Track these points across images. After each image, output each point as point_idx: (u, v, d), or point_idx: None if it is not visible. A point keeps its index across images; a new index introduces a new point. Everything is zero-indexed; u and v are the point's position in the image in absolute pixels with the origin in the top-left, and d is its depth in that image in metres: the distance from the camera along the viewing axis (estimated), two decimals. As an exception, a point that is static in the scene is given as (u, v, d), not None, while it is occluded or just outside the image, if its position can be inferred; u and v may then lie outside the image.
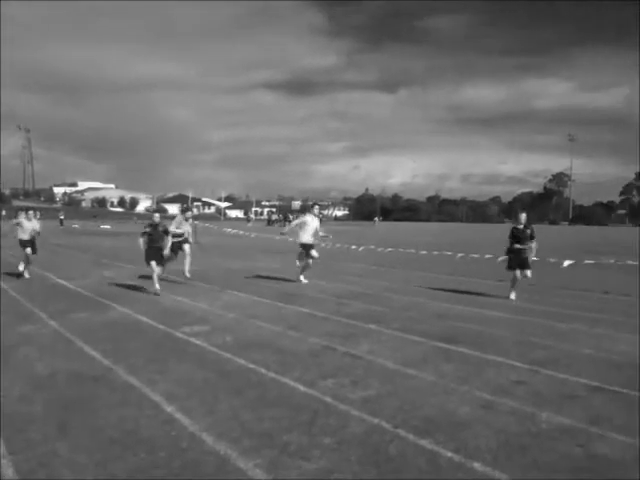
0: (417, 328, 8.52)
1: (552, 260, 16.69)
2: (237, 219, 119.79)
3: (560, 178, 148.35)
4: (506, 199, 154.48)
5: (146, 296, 11.43)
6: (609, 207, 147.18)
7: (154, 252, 11.69)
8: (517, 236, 11.78)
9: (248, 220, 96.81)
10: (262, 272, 15.86)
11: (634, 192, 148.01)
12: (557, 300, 11.72)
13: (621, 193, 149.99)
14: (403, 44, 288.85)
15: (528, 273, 11.60)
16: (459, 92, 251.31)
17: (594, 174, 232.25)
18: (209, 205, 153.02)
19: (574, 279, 15.13)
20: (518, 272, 11.59)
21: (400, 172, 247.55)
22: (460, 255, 18.42)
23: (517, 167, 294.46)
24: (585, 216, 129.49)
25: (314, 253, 13.66)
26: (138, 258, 13.00)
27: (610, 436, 4.47)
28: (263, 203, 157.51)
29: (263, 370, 6.16)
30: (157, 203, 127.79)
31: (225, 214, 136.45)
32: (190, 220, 14.14)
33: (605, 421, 4.79)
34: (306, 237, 13.66)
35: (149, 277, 12.27)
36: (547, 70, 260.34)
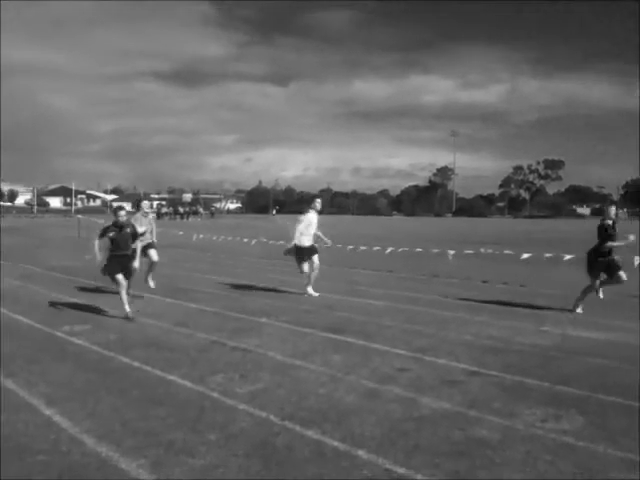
0: (307, 320, 8.60)
1: (436, 251, 17.36)
2: (125, 213, 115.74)
3: (444, 172, 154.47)
4: (394, 192, 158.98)
5: (25, 293, 10.82)
6: (489, 199, 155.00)
7: (120, 262, 8.89)
8: (611, 235, 9.41)
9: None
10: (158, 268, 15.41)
11: (512, 185, 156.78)
12: (441, 289, 12.21)
13: (500, 186, 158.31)
14: (293, 38, 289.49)
15: (623, 276, 9.42)
16: (349, 87, 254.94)
17: (475, 168, 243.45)
18: (94, 198, 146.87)
19: (457, 269, 15.80)
20: (600, 280, 9.63)
21: (293, 165, 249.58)
22: (350, 247, 18.77)
23: (405, 161, 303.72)
24: (467, 208, 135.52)
25: (317, 260, 11.07)
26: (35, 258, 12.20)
27: (487, 419, 4.70)
28: (152, 196, 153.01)
29: (148, 368, 6.00)
30: (38, 196, 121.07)
31: (112, 207, 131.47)
32: (150, 216, 11.70)
33: (483, 404, 5.04)
34: (307, 239, 11.13)
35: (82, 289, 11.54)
36: (432, 67, 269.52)
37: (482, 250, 18.46)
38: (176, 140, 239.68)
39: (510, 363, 6.37)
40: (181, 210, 78.04)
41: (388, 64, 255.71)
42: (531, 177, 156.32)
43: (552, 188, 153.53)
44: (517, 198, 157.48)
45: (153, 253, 11.35)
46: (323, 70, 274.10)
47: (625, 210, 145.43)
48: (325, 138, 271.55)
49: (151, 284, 11.40)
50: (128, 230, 9.19)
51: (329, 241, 11.78)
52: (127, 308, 8.61)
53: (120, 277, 8.71)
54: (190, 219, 70.32)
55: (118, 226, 9.08)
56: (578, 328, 8.21)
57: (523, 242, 29.34)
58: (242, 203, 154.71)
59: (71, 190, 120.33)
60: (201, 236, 24.54)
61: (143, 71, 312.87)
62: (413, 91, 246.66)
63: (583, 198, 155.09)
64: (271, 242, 20.72)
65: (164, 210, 79.57)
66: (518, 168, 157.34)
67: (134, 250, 9.22)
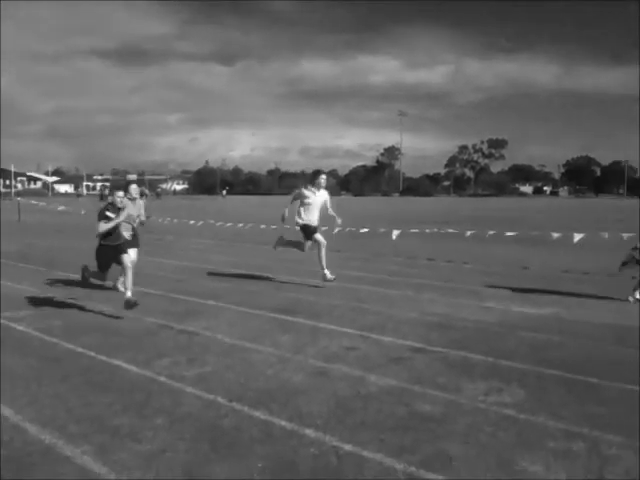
0: (255, 301, 8.58)
1: (382, 230, 17.53)
2: (67, 194, 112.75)
3: (391, 152, 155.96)
4: (343, 172, 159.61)
5: (-39, 281, 10.44)
6: (435, 179, 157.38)
7: (113, 256, 7.72)
8: None
9: (78, 195, 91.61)
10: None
11: (457, 164, 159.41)
12: (387, 268, 12.37)
13: (446, 165, 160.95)
14: (239, 16, 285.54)
15: None
16: (296, 66, 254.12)
17: (422, 148, 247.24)
18: (35, 180, 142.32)
19: (403, 248, 16.01)
20: None
21: (240, 145, 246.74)
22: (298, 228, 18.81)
23: (353, 141, 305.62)
24: (414, 188, 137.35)
25: (320, 237, 10.24)
26: None
27: (432, 394, 4.81)
28: (95, 177, 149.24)
29: (93, 353, 5.90)
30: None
31: (53, 189, 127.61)
32: (139, 202, 10.04)
33: (428, 380, 5.15)
34: (307, 217, 10.20)
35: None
36: (378, 47, 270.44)
37: (427, 230, 18.74)
38: (119, 120, 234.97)
39: (454, 339, 6.52)
40: (125, 192, 76.37)
41: (335, 44, 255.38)
42: (475, 156, 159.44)
43: (496, 167, 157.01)
44: (462, 177, 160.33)
45: (133, 254, 9.11)
46: (270, 49, 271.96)
47: (565, 188, 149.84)
48: (273, 118, 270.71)
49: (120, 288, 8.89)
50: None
51: (339, 221, 10.42)
52: (129, 292, 7.51)
53: (107, 272, 8.09)
54: (135, 201, 68.82)
55: (116, 210, 7.81)
56: (519, 304, 8.45)
57: (468, 220, 29.95)
58: (189, 184, 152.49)
59: (10, 172, 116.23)
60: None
61: (84, 49, 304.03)
62: (360, 71, 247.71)
63: (526, 176, 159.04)
64: (219, 224, 20.56)
65: (107, 192, 77.65)
66: (463, 147, 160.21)
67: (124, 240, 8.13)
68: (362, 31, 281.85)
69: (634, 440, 3.91)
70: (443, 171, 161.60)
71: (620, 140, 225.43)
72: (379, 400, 4.64)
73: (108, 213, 7.72)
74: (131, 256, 8.44)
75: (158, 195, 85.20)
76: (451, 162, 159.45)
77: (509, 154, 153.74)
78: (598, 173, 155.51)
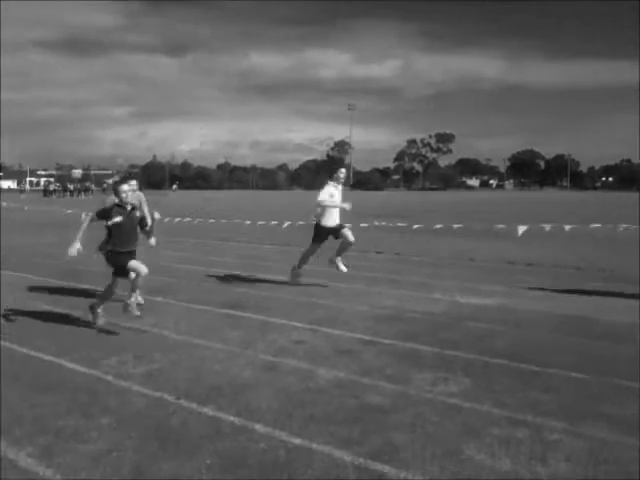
0: (204, 297, 8.51)
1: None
2: (9, 190, 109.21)
3: (342, 146, 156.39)
4: (293, 166, 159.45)
5: None
6: (385, 173, 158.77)
7: (126, 259, 6.63)
8: None
9: (21, 191, 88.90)
10: (43, 248, 14.70)
11: (406, 158, 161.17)
12: (337, 262, 12.40)
13: (395, 160, 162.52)
14: (188, 8, 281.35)
15: None
16: (246, 59, 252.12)
17: (371, 142, 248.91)
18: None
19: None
20: None
21: (189, 139, 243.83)
22: (248, 222, 18.69)
23: (303, 135, 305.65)
24: (364, 181, 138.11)
25: (348, 234, 9.36)
26: None
27: (380, 385, 4.86)
28: (39, 172, 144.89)
29: (38, 354, 5.74)
30: None
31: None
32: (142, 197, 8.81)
33: (376, 372, 5.20)
34: (332, 218, 9.37)
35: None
36: (328, 41, 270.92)
37: (376, 223, 18.90)
38: (64, 113, 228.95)
39: (403, 331, 6.60)
40: (70, 187, 74.55)
41: (285, 37, 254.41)
42: (424, 150, 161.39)
43: (444, 161, 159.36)
44: (411, 171, 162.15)
45: (152, 241, 8.22)
46: (219, 42, 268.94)
47: (511, 181, 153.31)
48: (222, 111, 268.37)
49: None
50: (137, 214, 6.85)
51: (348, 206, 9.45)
52: (135, 311, 6.58)
53: (117, 281, 6.76)
54: (82, 196, 67.33)
55: (124, 207, 6.62)
56: (465, 295, 8.61)
57: (416, 214, 30.35)
58: (136, 179, 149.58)
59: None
60: (90, 214, 23.50)
61: (28, 40, 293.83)
62: (311, 65, 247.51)
63: (472, 170, 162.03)
64: (167, 219, 20.25)
65: (52, 187, 75.56)
66: (412, 142, 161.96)
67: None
68: (312, 25, 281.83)
69: (576, 426, 4.04)
70: (393, 165, 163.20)
71: (564, 134, 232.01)
72: (328, 393, 4.67)
73: (115, 218, 6.55)
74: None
75: (104, 190, 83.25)
76: (400, 156, 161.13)
77: (456, 148, 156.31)
78: (542, 166, 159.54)
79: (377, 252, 14.11)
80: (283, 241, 16.18)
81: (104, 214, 6.66)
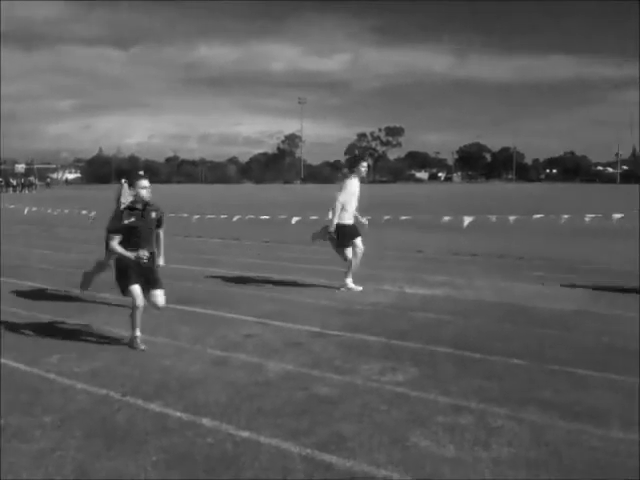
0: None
1: (283, 217, 17.57)
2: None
3: (292, 139, 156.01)
4: (243, 159, 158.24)
5: None
6: (336, 166, 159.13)
7: (141, 267, 5.80)
8: None
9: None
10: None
11: (356, 152, 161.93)
12: (285, 255, 12.42)
13: (345, 153, 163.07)
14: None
15: None
16: (194, 51, 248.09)
17: (322, 135, 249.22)
18: None
19: (302, 235, 16.11)
20: None
21: (136, 132, 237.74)
22: (197, 217, 18.47)
23: (253, 128, 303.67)
24: (315, 175, 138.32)
25: (359, 243, 8.61)
26: None
27: (329, 376, 4.89)
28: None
29: (-24, 353, 5.56)
30: None
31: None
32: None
33: (325, 363, 5.23)
34: (349, 216, 8.66)
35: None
36: (277, 34, 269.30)
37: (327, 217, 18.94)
38: (7, 106, 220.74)
39: (351, 322, 6.65)
40: (13, 182, 72.21)
41: (234, 30, 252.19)
42: (374, 144, 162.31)
43: (393, 154, 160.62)
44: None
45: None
46: (167, 34, 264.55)
47: (459, 174, 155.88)
48: (170, 104, 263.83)
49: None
50: (153, 215, 5.97)
51: (365, 222, 9.29)
52: (138, 333, 5.78)
53: (136, 289, 5.77)
54: (26, 192, 65.33)
55: (139, 207, 5.89)
56: (413, 286, 8.74)
57: (365, 206, 30.54)
58: (82, 173, 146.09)
59: None
60: (34, 209, 22.92)
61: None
62: (260, 58, 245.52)
63: (421, 163, 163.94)
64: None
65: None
66: (362, 135, 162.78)
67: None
68: (262, 17, 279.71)
69: (518, 412, 4.15)
70: (343, 158, 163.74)
71: (509, 127, 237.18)
72: (277, 386, 4.67)
73: (129, 219, 5.79)
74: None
75: (48, 185, 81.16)
76: (350, 150, 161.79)
77: (406, 141, 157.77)
78: (489, 159, 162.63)
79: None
80: (229, 234, 16.08)
81: (119, 218, 5.93)
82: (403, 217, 15.08)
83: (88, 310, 7.33)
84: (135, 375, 4.93)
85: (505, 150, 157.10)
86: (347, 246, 8.54)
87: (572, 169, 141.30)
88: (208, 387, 4.64)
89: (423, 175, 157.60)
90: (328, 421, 3.99)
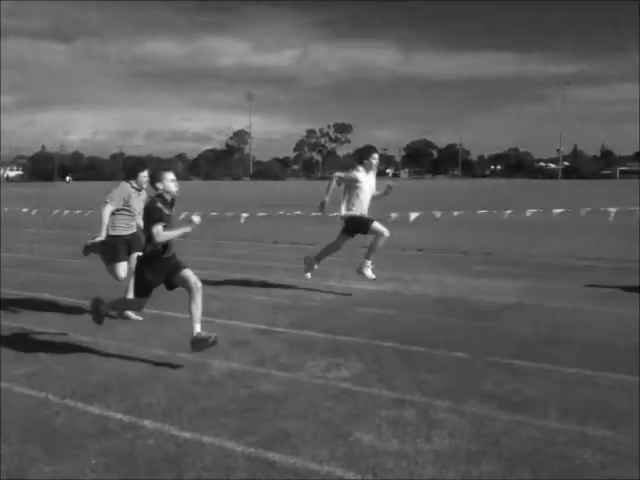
0: (95, 292, 8.18)
1: (230, 214, 17.44)
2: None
3: (241, 135, 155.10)
4: (191, 156, 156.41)
5: None
6: (285, 162, 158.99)
7: (166, 270, 5.38)
8: None
9: None
10: None
11: (305, 148, 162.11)
12: (233, 252, 12.33)
13: (295, 149, 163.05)
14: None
15: None
16: (141, 46, 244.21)
17: (271, 131, 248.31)
18: None
19: (250, 231, 16.04)
20: None
21: (80, 128, 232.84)
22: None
23: (201, 124, 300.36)
24: (264, 171, 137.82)
25: (380, 227, 7.99)
26: None
27: (274, 374, 4.88)
28: None
29: None
30: None
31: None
32: (144, 194, 6.86)
33: (270, 361, 5.21)
34: (359, 209, 8.04)
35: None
36: (226, 29, 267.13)
37: (274, 212, 18.91)
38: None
39: (298, 319, 6.65)
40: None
41: (181, 24, 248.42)
42: (323, 140, 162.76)
43: (342, 150, 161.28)
44: (311, 161, 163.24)
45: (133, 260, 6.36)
46: (112, 27, 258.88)
47: (406, 170, 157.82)
48: (116, 99, 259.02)
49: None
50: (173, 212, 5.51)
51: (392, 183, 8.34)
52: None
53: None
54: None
55: (169, 205, 5.36)
56: (359, 282, 8.79)
57: (314, 203, 30.59)
58: (23, 170, 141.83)
59: None
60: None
61: None
62: (208, 53, 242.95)
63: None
64: (56, 211, 19.33)
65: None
66: (311, 131, 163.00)
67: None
68: (210, 11, 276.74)
69: (459, 404, 4.22)
70: (292, 155, 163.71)
71: (455, 123, 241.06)
72: (221, 384, 4.64)
73: (166, 211, 5.26)
74: (131, 262, 6.57)
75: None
76: (300, 146, 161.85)
77: (354, 138, 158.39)
78: (435, 155, 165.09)
79: (274, 242, 14.12)
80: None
81: (160, 215, 5.18)
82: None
83: (25, 310, 7.11)
84: (75, 377, 4.80)
85: (451, 147, 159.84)
86: (350, 235, 8.15)
87: (516, 165, 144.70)
88: (150, 388, 4.56)
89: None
90: (272, 419, 3.98)
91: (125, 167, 7.37)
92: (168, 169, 5.37)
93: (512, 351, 5.44)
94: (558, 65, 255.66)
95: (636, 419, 3.93)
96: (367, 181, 7.97)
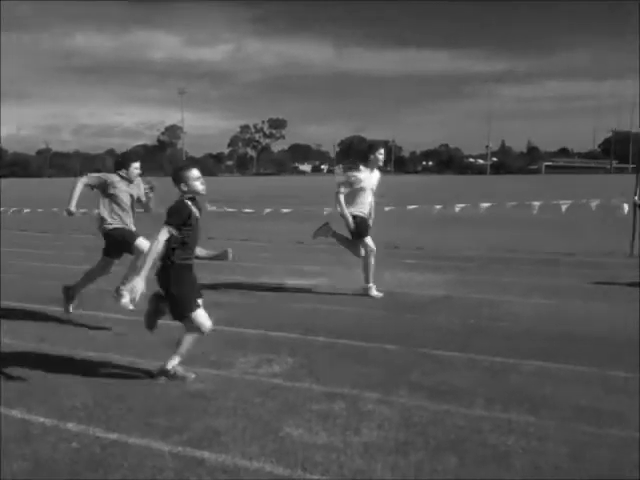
0: (14, 292, 7.90)
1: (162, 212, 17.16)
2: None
3: (173, 130, 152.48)
4: (121, 151, 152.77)
5: None
6: (219, 158, 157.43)
7: (194, 280, 5.04)
8: None
9: None
10: None
11: (240, 144, 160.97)
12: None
13: (228, 145, 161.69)
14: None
15: None
16: (69, 39, 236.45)
17: (204, 126, 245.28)
18: None
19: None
20: None
21: (4, 123, 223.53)
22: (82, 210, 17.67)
23: (132, 119, 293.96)
24: (200, 167, 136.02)
25: (370, 242, 7.81)
26: None
27: (204, 371, 4.82)
28: None
29: None
30: None
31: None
32: (141, 185, 7.06)
33: (200, 359, 5.14)
34: (359, 209, 7.71)
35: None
36: (156, 22, 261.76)
37: (208, 209, 18.70)
38: None
39: (229, 316, 6.59)
40: None
41: (110, 17, 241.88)
42: (257, 136, 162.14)
43: (277, 146, 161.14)
44: (245, 156, 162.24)
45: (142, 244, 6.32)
46: (39, 20, 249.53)
47: (340, 166, 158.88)
48: (42, 93, 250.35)
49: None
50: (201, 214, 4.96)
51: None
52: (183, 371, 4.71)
53: (200, 312, 4.79)
54: None
55: (193, 203, 4.80)
56: (292, 277, 8.82)
57: (248, 199, 30.47)
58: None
59: None
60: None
61: None
62: (138, 47, 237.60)
63: (304, 156, 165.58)
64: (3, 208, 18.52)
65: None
66: (245, 127, 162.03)
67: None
68: (139, 4, 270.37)
69: (388, 395, 4.29)
70: (226, 150, 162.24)
71: (388, 120, 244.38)
72: (149, 384, 4.55)
73: (196, 214, 4.83)
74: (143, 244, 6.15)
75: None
76: (234, 142, 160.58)
77: (289, 134, 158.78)
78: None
79: (209, 238, 13.94)
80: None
81: (183, 217, 4.71)
82: (284, 210, 15.14)
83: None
84: (-5, 381, 4.62)
85: (384, 143, 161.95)
86: (360, 238, 7.77)
87: (446, 161, 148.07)
88: (75, 390, 4.43)
89: (306, 167, 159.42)
90: (201, 417, 3.93)
91: (116, 157, 7.22)
92: (188, 167, 4.82)
93: (440, 341, 5.57)
94: (487, 63, 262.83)
95: (556, 404, 4.10)
96: (371, 180, 7.67)
